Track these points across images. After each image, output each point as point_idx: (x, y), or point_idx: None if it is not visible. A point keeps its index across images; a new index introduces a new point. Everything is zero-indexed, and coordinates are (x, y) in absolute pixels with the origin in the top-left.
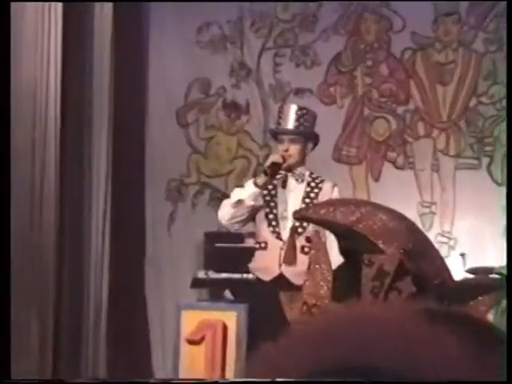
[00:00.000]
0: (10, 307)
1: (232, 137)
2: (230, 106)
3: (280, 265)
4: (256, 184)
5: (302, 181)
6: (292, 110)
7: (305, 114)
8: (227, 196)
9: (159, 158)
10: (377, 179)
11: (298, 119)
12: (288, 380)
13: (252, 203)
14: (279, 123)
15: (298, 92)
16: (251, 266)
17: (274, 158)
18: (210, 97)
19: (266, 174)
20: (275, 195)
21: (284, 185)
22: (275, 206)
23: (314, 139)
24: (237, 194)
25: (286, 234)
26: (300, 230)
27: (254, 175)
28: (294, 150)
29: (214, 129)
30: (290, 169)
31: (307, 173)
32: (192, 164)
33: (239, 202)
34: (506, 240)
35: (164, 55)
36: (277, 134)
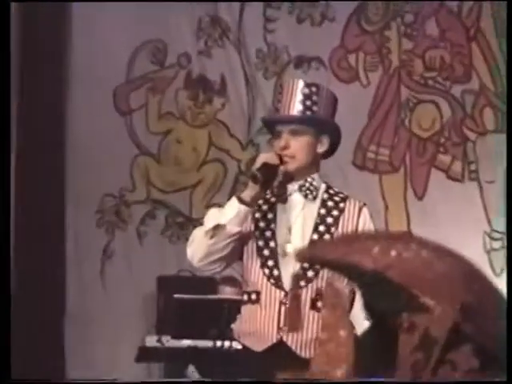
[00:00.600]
0: (10, 307)
1: (200, 130)
2: (196, 84)
3: (279, 328)
4: (242, 200)
5: (315, 198)
6: (296, 88)
7: (316, 94)
8: (192, 220)
9: (87, 163)
10: (421, 196)
11: (304, 101)
12: (288, 380)
13: (237, 229)
14: (277, 108)
15: (301, 62)
16: (235, 328)
17: (267, 156)
18: (165, 69)
19: (255, 181)
20: (273, 219)
21: (285, 202)
22: (272, 236)
23: (332, 132)
24: (213, 216)
25: (288, 280)
26: (310, 274)
27: (234, 189)
28: (299, 147)
29: (173, 118)
30: (291, 177)
31: (323, 186)
32: (138, 172)
33: (218, 228)
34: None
35: (92, 7)
36: (273, 125)
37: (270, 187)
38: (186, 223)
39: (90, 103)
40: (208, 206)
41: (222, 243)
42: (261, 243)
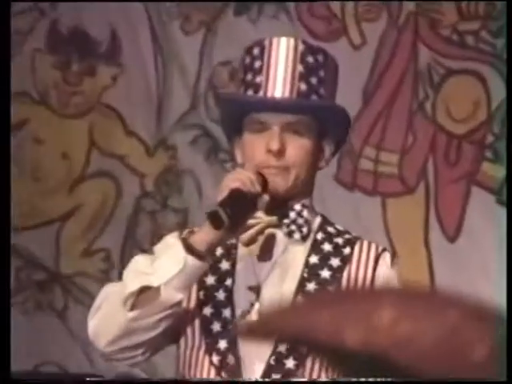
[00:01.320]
0: (10, 307)
1: (74, 123)
2: (67, 43)
3: None
4: (191, 248)
5: (304, 238)
6: (295, 53)
7: (323, 66)
8: (60, 277)
9: None
10: (453, 236)
11: (309, 77)
12: (287, 380)
13: (179, 297)
14: (247, 83)
15: (246, 6)
16: None
17: (238, 178)
18: (14, 16)
19: (217, 223)
20: (230, 271)
21: (252, 242)
22: (228, 300)
23: (340, 134)
24: (139, 270)
25: (253, 373)
26: (290, 365)
27: (133, 223)
28: (298, 153)
29: (28, 101)
30: (281, 202)
31: (317, 220)
32: None
33: (146, 293)
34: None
35: None
36: (245, 111)
37: (241, 230)
38: (51, 283)
39: None
40: (88, 254)
41: (152, 319)
42: (208, 312)
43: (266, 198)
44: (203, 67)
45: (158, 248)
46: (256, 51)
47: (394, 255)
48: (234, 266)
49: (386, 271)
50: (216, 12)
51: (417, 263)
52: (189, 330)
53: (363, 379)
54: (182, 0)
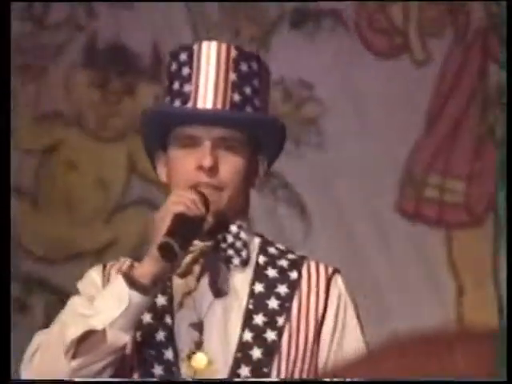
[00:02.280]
0: (10, 307)
1: (112, 146)
2: (105, 58)
3: None
4: (134, 282)
5: (244, 263)
6: (227, 60)
7: (257, 74)
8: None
9: None
10: None
11: (242, 86)
12: (288, 380)
13: (125, 339)
14: (174, 92)
15: (303, 18)
16: None
17: (182, 201)
18: (47, 30)
19: (167, 254)
20: (168, 307)
21: (186, 274)
22: (168, 340)
23: (273, 149)
24: (78, 312)
25: None
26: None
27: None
28: (231, 171)
29: (60, 122)
30: (219, 226)
31: (256, 241)
32: None
33: (90, 337)
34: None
35: None
36: (171, 125)
37: (182, 258)
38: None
39: None
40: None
41: (97, 366)
42: (148, 355)
43: (210, 219)
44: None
45: (82, 285)
46: (183, 57)
47: (460, 292)
48: (171, 301)
49: (340, 296)
50: (270, 24)
51: (484, 300)
52: (129, 376)
53: (363, 379)
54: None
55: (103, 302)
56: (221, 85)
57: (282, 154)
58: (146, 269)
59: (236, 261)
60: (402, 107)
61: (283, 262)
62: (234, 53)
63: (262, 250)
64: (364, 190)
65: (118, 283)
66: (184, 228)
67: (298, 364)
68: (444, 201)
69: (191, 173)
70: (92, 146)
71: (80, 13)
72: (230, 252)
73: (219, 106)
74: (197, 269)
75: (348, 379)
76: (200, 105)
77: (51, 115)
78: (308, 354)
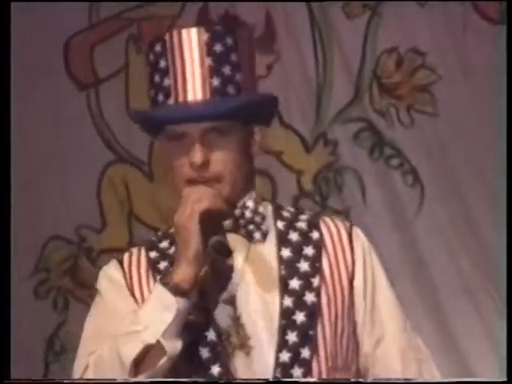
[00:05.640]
0: (10, 307)
1: None
2: (218, 28)
3: None
4: (178, 288)
5: (264, 234)
6: (196, 46)
7: (233, 50)
8: None
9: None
10: None
11: (217, 70)
12: (286, 380)
13: (180, 345)
14: (158, 86)
15: None
16: None
17: (204, 195)
18: (159, 1)
19: (224, 249)
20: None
21: (225, 265)
22: (210, 323)
23: (266, 112)
24: (127, 328)
25: None
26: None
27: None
28: (223, 159)
29: None
30: (219, 212)
31: (269, 209)
32: (112, 195)
33: (147, 353)
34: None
35: None
36: (159, 124)
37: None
38: None
39: (33, 68)
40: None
41: (158, 375)
42: (192, 340)
43: (225, 206)
44: (367, 54)
45: (103, 286)
46: (158, 48)
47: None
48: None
49: (364, 248)
50: None
51: None
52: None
53: (363, 379)
54: None
55: (150, 315)
56: (197, 73)
57: (394, 122)
58: (185, 273)
59: (257, 235)
60: None
61: (301, 224)
62: (205, 36)
63: (278, 215)
64: (476, 157)
65: (161, 293)
66: (214, 223)
67: (339, 322)
68: None
69: (185, 169)
70: None
71: None
72: (251, 227)
73: (199, 96)
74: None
75: (351, 379)
76: (181, 98)
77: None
78: (346, 310)
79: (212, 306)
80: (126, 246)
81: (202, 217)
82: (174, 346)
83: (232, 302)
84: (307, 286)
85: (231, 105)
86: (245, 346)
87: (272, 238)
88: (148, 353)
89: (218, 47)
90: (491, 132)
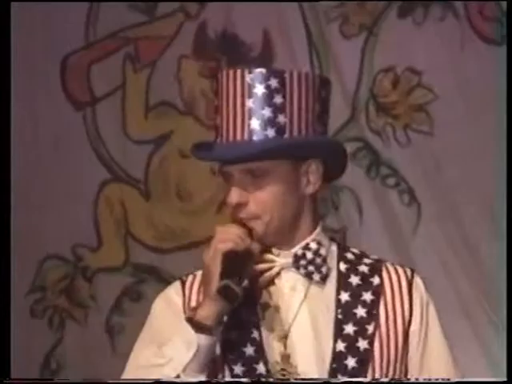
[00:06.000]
0: (10, 306)
1: None
2: (215, 47)
3: None
4: (199, 325)
5: (325, 276)
6: (243, 86)
7: (280, 91)
8: None
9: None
10: None
11: (262, 111)
12: (285, 380)
13: (202, 378)
14: (216, 126)
15: (411, 7)
16: None
17: (230, 236)
18: (157, 20)
19: (229, 294)
20: (256, 323)
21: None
22: (260, 356)
23: (326, 147)
24: (150, 361)
25: None
26: None
27: None
28: (264, 199)
29: (173, 112)
30: (264, 249)
31: (333, 249)
32: (108, 214)
33: None
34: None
35: None
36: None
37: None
38: None
39: (30, 87)
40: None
41: None
42: (239, 371)
43: (256, 246)
44: (364, 74)
45: (159, 306)
46: (215, 86)
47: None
48: (257, 315)
49: (422, 298)
50: (378, 14)
51: None
52: None
53: (363, 379)
54: None
55: (173, 349)
56: (239, 114)
57: (390, 142)
58: (209, 310)
59: (316, 277)
60: None
61: (363, 268)
62: (247, 78)
63: (341, 257)
64: (474, 177)
65: (186, 329)
66: (236, 264)
67: (391, 369)
68: None
69: (230, 207)
70: (204, 135)
71: (190, 2)
72: (311, 268)
73: (238, 136)
74: (280, 283)
75: (350, 379)
76: (224, 138)
77: (163, 105)
78: (399, 358)
79: (261, 338)
80: (121, 265)
81: (226, 257)
82: (195, 379)
83: (284, 340)
84: (362, 332)
85: (264, 147)
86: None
87: (333, 280)
88: None
89: (259, 89)
90: (489, 151)
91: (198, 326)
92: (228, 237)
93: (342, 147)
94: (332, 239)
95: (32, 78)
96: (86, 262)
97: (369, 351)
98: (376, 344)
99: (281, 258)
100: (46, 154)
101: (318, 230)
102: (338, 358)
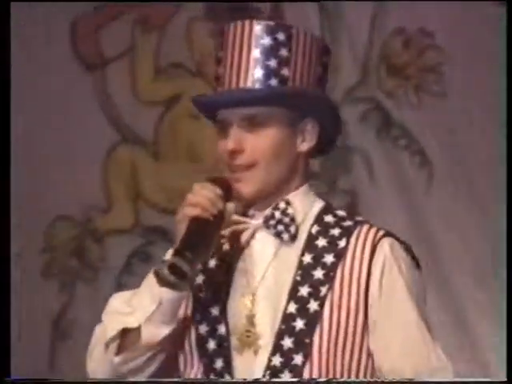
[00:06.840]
0: (10, 306)
1: None
2: (225, 9)
3: None
4: (163, 280)
5: (293, 236)
6: (249, 37)
7: (287, 45)
8: None
9: (31, 159)
10: None
11: (265, 61)
12: (283, 380)
13: (164, 333)
14: (217, 77)
15: None
16: None
17: (200, 199)
18: None
19: (176, 273)
20: (223, 283)
21: (242, 250)
22: (222, 315)
23: (323, 111)
24: (119, 310)
25: None
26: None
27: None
28: (260, 147)
29: (183, 73)
30: (251, 203)
31: (315, 209)
32: (118, 175)
33: (127, 335)
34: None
35: None
36: (213, 109)
37: (212, 249)
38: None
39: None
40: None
41: (139, 360)
42: (203, 330)
43: (231, 206)
44: (375, 35)
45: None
46: (219, 39)
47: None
48: (228, 276)
49: (385, 260)
50: None
51: None
52: (187, 352)
53: (362, 379)
54: None
55: (139, 300)
56: (243, 63)
57: (402, 103)
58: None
59: (285, 236)
60: None
61: (335, 231)
62: (256, 28)
63: (318, 220)
64: (485, 139)
65: (152, 281)
66: (199, 232)
67: (341, 332)
68: None
69: (225, 155)
70: None
71: None
72: (280, 228)
73: (241, 84)
74: (253, 244)
75: (350, 379)
76: (226, 87)
77: (174, 67)
78: (351, 323)
79: (227, 300)
80: (131, 227)
81: (191, 224)
82: (153, 334)
83: (252, 299)
84: (315, 294)
85: (269, 90)
86: (255, 345)
87: (301, 241)
88: (127, 335)
89: (266, 40)
90: (498, 112)
91: (161, 280)
92: (198, 200)
93: (338, 110)
94: (324, 200)
95: (40, 41)
96: (95, 223)
97: (318, 313)
98: (326, 306)
99: (254, 220)
100: (55, 115)
101: (301, 189)
102: (287, 319)
